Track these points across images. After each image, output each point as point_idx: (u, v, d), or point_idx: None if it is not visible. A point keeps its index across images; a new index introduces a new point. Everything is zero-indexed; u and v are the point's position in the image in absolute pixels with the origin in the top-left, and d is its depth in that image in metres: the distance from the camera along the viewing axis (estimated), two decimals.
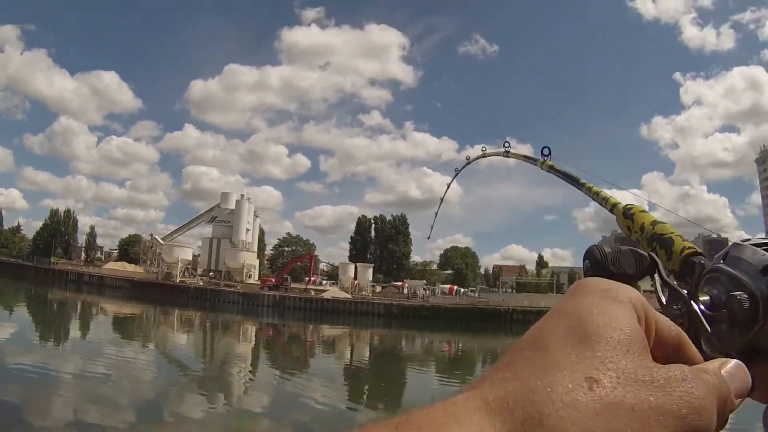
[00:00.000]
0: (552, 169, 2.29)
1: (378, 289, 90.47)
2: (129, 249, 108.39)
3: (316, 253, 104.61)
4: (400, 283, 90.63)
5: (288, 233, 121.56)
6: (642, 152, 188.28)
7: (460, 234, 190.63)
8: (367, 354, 37.04)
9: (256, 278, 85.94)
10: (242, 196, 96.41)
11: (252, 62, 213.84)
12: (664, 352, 0.49)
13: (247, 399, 18.67)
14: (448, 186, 7.16)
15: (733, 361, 0.51)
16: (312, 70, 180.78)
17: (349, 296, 76.68)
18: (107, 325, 41.21)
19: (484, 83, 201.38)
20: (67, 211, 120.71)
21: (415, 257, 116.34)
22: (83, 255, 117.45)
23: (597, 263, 0.66)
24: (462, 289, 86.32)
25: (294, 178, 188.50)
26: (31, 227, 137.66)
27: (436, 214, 8.51)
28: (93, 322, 42.88)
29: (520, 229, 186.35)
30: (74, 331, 34.28)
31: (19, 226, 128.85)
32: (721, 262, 0.67)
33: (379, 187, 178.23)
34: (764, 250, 0.63)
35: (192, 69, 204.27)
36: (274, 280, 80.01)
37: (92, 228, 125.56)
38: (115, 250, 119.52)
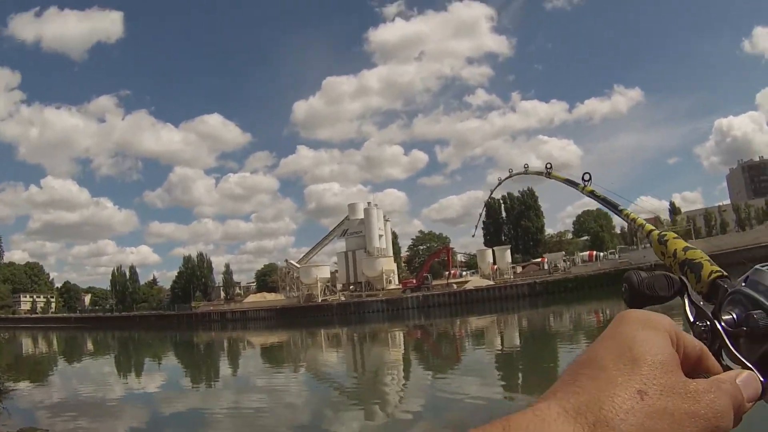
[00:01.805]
0: (592, 194, 2.30)
1: (518, 269, 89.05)
2: (266, 279, 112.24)
3: (450, 245, 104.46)
4: (539, 260, 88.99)
5: (420, 231, 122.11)
6: (750, 69, 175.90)
7: (601, 191, 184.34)
8: (517, 339, 36.47)
9: (396, 282, 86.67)
10: (369, 203, 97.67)
11: (348, 71, 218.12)
12: (690, 364, 0.62)
13: (402, 406, 18.76)
14: (486, 202, 7.12)
15: (746, 372, 0.65)
16: (408, 64, 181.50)
17: (491, 282, 76.11)
18: (256, 357, 42.32)
19: (578, 34, 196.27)
20: (200, 255, 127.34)
21: (548, 230, 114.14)
22: (222, 294, 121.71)
23: (633, 288, 0.79)
24: (601, 254, 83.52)
25: (414, 175, 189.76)
26: (166, 278, 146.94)
27: (480, 215, 8.56)
28: (242, 357, 44.00)
29: (645, 178, 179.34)
30: (224, 369, 35.40)
31: (154, 279, 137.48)
32: (742, 285, 0.77)
33: (499, 165, 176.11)
34: None
35: (291, 92, 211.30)
36: (414, 281, 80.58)
37: (227, 266, 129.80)
38: (253, 282, 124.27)
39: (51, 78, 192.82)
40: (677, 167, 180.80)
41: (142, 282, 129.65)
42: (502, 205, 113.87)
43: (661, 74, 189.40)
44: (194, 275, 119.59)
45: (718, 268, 0.97)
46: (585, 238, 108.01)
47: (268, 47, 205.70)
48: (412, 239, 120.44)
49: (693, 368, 0.63)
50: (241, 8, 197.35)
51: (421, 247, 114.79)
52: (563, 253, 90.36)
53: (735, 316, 0.75)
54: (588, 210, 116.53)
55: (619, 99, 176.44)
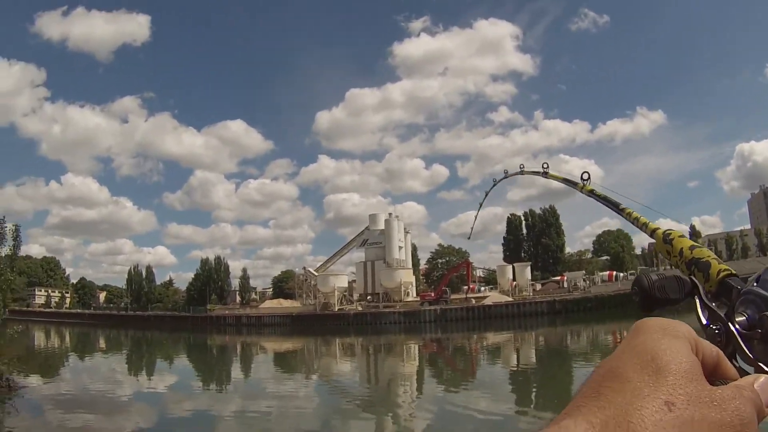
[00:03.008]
0: (592, 193, 2.24)
1: (538, 287, 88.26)
2: (283, 285, 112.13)
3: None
4: (558, 278, 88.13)
5: (439, 245, 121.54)
6: None
7: (607, 218, 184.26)
8: (534, 357, 35.96)
9: (414, 295, 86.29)
10: (390, 214, 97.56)
11: (371, 83, 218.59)
12: (708, 370, 0.61)
13: (413, 419, 18.46)
14: (480, 205, 7.04)
15: (764, 376, 0.64)
16: (432, 79, 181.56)
17: (510, 299, 75.45)
18: (269, 362, 42.27)
19: (602, 56, 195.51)
20: (218, 258, 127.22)
21: (567, 248, 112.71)
22: (238, 298, 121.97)
23: (644, 291, 0.78)
24: (621, 274, 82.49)
25: (434, 189, 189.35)
26: (182, 279, 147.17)
27: (475, 218, 8.38)
28: (254, 361, 44.02)
29: (664, 201, 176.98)
30: (236, 373, 35.46)
31: (170, 280, 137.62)
32: (755, 284, 0.76)
33: (520, 183, 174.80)
34: None
35: (314, 101, 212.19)
36: (433, 294, 79.99)
37: (244, 270, 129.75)
38: (269, 288, 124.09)
39: (76, 77, 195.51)
40: (697, 191, 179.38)
41: (158, 282, 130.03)
42: (523, 222, 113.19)
43: (685, 98, 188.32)
44: (211, 278, 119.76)
45: (727, 267, 0.97)
46: (605, 257, 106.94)
47: (293, 57, 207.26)
48: (431, 252, 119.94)
49: (710, 374, 0.62)
50: (268, 18, 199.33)
51: (440, 261, 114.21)
52: (583, 272, 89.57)
53: (748, 317, 0.73)
54: (608, 230, 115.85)
55: (642, 121, 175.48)
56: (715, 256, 1.04)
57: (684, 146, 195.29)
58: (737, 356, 0.70)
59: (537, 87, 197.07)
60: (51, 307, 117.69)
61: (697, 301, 0.78)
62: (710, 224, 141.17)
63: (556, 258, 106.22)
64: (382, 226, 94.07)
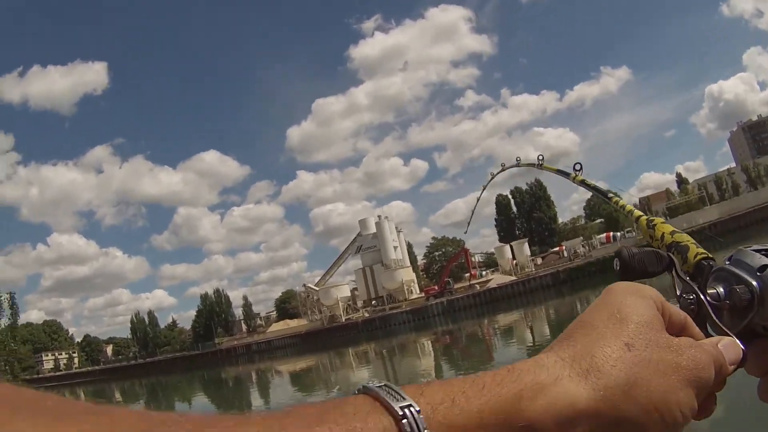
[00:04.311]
0: (583, 183, 2.23)
1: (538, 261, 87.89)
2: (286, 306, 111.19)
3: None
4: (557, 248, 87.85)
5: (433, 238, 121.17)
6: (732, 32, 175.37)
7: (592, 180, 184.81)
8: (547, 330, 35.64)
9: (418, 292, 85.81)
10: (380, 216, 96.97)
11: (335, 90, 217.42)
12: (674, 331, 0.68)
13: None
14: (478, 199, 7.38)
15: (727, 338, 0.72)
16: (393, 75, 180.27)
17: (513, 278, 75.27)
18: (286, 384, 41.98)
19: (557, 22, 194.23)
20: (217, 291, 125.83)
21: (560, 219, 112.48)
22: (244, 327, 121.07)
23: (625, 263, 0.84)
24: (618, 234, 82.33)
25: (417, 184, 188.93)
26: (185, 318, 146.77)
27: (473, 212, 8.49)
28: (272, 386, 43.71)
29: (645, 154, 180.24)
30: (256, 401, 34.85)
31: (174, 321, 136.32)
32: (727, 263, 0.82)
33: (499, 163, 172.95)
34: (762, 254, 0.78)
35: (283, 118, 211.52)
36: (437, 288, 79.69)
37: (245, 298, 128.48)
38: (273, 311, 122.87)
39: (44, 136, 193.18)
40: (675, 139, 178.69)
41: (161, 326, 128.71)
42: (512, 200, 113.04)
43: (646, 50, 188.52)
44: (213, 312, 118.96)
45: (704, 251, 1.02)
46: (599, 221, 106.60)
47: (255, 78, 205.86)
48: (427, 247, 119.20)
49: (678, 335, 0.68)
50: (224, 44, 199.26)
51: (437, 253, 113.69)
52: (581, 238, 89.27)
53: (719, 291, 0.79)
54: None
55: (608, 80, 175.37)
56: (694, 241, 1.10)
57: (654, 97, 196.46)
58: (708, 326, 0.77)
59: (498, 65, 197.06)
60: (60, 370, 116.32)
61: (674, 273, 0.85)
62: (694, 170, 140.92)
63: (551, 230, 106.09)
64: (373, 229, 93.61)
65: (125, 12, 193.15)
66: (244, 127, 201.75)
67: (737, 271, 0.78)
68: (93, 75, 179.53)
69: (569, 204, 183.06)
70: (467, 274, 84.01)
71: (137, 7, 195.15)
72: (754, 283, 0.75)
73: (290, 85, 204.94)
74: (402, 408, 0.49)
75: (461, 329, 52.44)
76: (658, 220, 1.32)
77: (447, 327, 57.36)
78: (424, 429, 0.48)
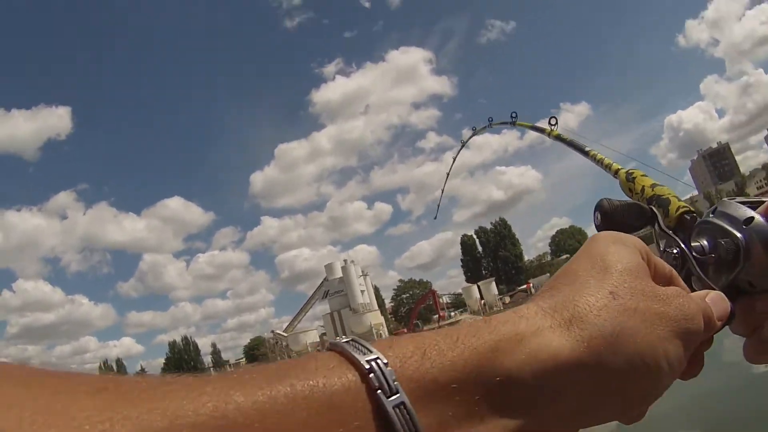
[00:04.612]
0: (559, 138, 2.26)
1: (507, 299, 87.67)
2: (255, 352, 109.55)
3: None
4: (525, 286, 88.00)
5: (400, 280, 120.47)
6: (689, 62, 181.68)
7: (556, 217, 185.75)
8: None
9: (387, 335, 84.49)
10: (345, 261, 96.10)
11: (298, 135, 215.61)
12: (659, 282, 0.63)
13: None
14: (454, 159, 7.42)
15: (715, 291, 0.67)
16: (355, 119, 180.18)
17: (481, 317, 74.49)
18: None
19: (515, 62, 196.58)
20: (185, 338, 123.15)
21: (525, 257, 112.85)
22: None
23: (605, 214, 0.80)
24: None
25: (381, 227, 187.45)
26: (153, 367, 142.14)
27: (443, 191, 8.41)
28: None
29: (608, 188, 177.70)
30: None
31: (142, 369, 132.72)
32: (711, 215, 0.77)
33: (462, 203, 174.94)
34: (747, 206, 0.74)
35: (246, 163, 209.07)
36: (405, 330, 78.15)
37: (214, 345, 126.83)
38: (242, 358, 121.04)
39: (6, 180, 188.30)
40: (637, 168, 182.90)
41: (130, 374, 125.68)
42: (476, 240, 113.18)
43: (605, 85, 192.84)
44: (182, 359, 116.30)
45: (686, 204, 1.00)
46: (565, 256, 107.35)
47: (218, 124, 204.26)
48: (394, 290, 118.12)
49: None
50: (187, 90, 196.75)
51: (405, 296, 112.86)
52: (548, 274, 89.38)
53: (703, 244, 0.76)
54: (561, 229, 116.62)
55: (568, 116, 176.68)
56: (676, 195, 1.08)
57: (614, 131, 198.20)
58: (692, 281, 0.74)
59: (459, 106, 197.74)
60: None
61: (656, 227, 0.82)
62: None
63: (518, 268, 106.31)
64: (339, 274, 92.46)
65: (90, 57, 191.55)
66: (208, 173, 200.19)
67: (722, 223, 0.74)
68: (56, 119, 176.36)
69: (534, 241, 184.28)
70: (436, 316, 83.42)
71: (102, 52, 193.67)
72: (740, 235, 0.71)
73: (253, 130, 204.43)
74: (368, 361, 0.45)
75: None
76: (638, 172, 1.31)
77: None
78: (394, 382, 0.45)
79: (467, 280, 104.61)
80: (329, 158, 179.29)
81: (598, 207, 0.81)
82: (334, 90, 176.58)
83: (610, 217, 0.80)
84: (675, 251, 0.76)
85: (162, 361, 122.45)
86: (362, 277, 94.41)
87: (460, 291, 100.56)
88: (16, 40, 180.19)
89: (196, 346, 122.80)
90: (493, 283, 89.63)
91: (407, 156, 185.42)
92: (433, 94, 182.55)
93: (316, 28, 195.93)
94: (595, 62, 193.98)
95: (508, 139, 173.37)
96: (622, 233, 0.66)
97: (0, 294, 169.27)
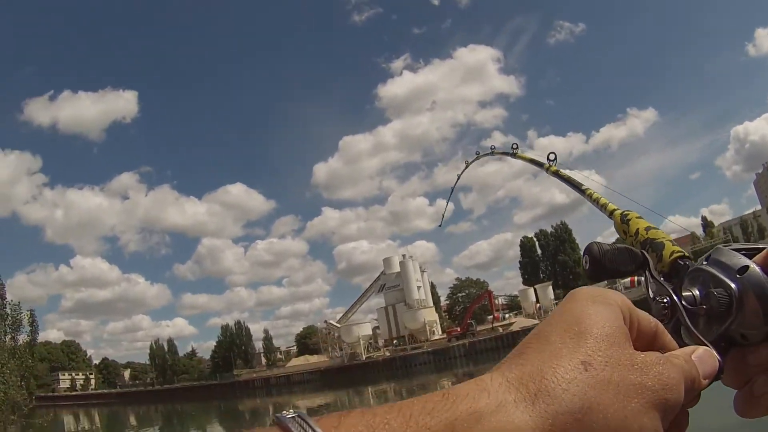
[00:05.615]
0: (557, 174, 2.27)
1: None
2: (306, 341, 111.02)
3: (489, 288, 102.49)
4: None
5: (457, 278, 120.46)
6: (759, 71, 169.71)
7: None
8: None
9: (440, 332, 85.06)
10: (404, 255, 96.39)
11: (363, 128, 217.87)
12: (645, 341, 0.61)
13: None
14: (459, 177, 7.41)
15: (702, 348, 0.64)
16: (421, 115, 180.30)
17: (537, 321, 74.20)
18: None
19: (585, 64, 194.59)
20: (238, 323, 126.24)
21: None
22: (263, 360, 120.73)
23: (595, 260, 0.78)
24: (642, 278, 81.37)
25: (441, 224, 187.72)
26: (204, 348, 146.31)
27: (447, 201, 8.72)
28: None
29: (670, 197, 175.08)
30: None
31: (193, 350, 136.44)
32: (704, 263, 0.75)
33: (524, 205, 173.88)
34: (742, 254, 0.71)
35: (310, 154, 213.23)
36: (459, 329, 79.08)
37: (266, 331, 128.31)
38: (293, 346, 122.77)
39: (71, 159, 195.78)
40: (700, 182, 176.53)
41: (180, 354, 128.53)
42: (536, 243, 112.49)
43: (673, 91, 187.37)
44: (234, 343, 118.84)
45: (680, 249, 0.98)
46: None
47: (283, 113, 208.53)
48: (450, 288, 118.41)
49: (648, 345, 0.62)
50: (253, 78, 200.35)
51: (460, 295, 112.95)
52: (605, 282, 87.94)
53: (695, 293, 0.73)
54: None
55: (635, 122, 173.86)
56: (670, 238, 1.05)
57: (680, 139, 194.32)
58: (682, 332, 0.71)
59: (526, 106, 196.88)
60: (76, 390, 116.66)
61: (647, 274, 0.79)
62: (719, 213, 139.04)
63: (576, 273, 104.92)
64: (397, 269, 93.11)
65: (158, 43, 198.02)
66: (271, 161, 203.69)
67: (715, 272, 0.71)
68: (123, 103, 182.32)
69: None
70: (490, 317, 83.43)
71: (171, 38, 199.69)
72: (733, 285, 0.69)
73: (318, 121, 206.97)
74: None
75: (483, 371, 51.25)
76: (633, 214, 1.28)
77: (468, 369, 56.64)
78: None
79: (524, 283, 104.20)
80: (393, 153, 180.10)
81: (587, 251, 0.79)
82: (400, 85, 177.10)
83: (600, 262, 0.78)
84: (665, 300, 0.73)
85: (213, 343, 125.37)
86: (420, 273, 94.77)
87: (516, 293, 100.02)
88: (87, 27, 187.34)
89: (248, 331, 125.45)
90: (550, 287, 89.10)
91: (471, 154, 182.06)
92: (500, 94, 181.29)
93: (384, 24, 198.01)
94: (664, 67, 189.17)
95: (573, 141, 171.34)
96: (604, 289, 0.62)
97: (57, 269, 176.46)
